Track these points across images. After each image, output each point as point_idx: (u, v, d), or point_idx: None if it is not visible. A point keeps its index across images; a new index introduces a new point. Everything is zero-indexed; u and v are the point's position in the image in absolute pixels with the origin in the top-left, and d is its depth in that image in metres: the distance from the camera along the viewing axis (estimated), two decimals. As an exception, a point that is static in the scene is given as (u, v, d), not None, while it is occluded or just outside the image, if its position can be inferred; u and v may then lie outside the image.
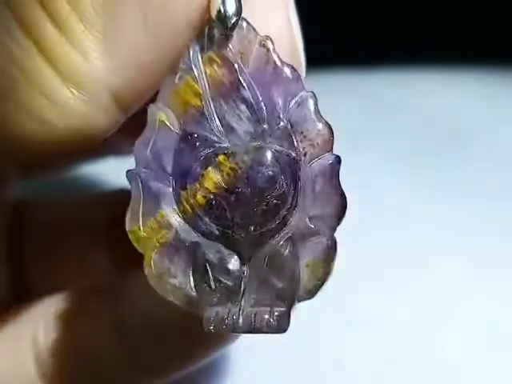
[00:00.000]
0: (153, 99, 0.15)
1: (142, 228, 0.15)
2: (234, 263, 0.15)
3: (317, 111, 0.15)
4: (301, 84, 0.15)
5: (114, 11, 0.14)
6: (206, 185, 0.15)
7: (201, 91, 0.15)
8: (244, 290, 0.15)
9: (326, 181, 0.15)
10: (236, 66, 0.15)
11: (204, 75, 0.15)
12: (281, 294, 0.15)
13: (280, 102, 0.15)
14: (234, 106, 0.15)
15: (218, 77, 0.15)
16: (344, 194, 0.15)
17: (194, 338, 0.17)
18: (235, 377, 0.23)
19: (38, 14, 0.14)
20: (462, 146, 0.30)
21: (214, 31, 0.15)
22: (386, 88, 0.34)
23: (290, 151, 0.15)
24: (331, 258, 0.15)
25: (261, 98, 0.15)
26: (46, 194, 0.26)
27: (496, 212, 0.27)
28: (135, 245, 0.15)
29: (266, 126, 0.15)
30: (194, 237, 0.15)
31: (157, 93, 0.15)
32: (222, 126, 0.15)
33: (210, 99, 0.15)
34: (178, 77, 0.15)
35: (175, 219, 0.15)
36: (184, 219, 0.15)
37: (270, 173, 0.15)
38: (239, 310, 0.15)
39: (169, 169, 0.15)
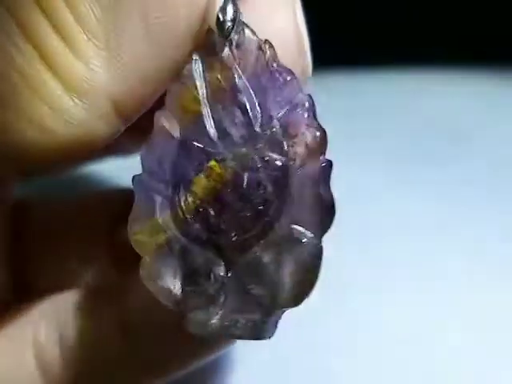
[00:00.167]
0: (159, 106, 0.15)
1: (140, 231, 0.16)
2: (218, 269, 0.15)
3: (311, 115, 0.15)
4: (297, 87, 0.15)
5: (116, 21, 0.14)
6: (196, 190, 0.15)
7: (200, 97, 0.15)
8: (226, 295, 0.15)
9: (313, 187, 0.15)
10: (233, 71, 0.15)
11: (204, 81, 0.15)
12: (260, 302, 0.15)
13: (275, 106, 0.15)
14: (231, 111, 0.15)
15: (216, 83, 0.15)
16: (332, 201, 0.15)
17: (192, 338, 0.17)
18: (236, 376, 0.23)
19: (41, 22, 0.14)
20: (462, 146, 0.30)
21: (214, 37, 0.15)
22: (386, 89, 0.34)
23: (280, 156, 0.15)
24: (316, 266, 0.15)
25: (256, 103, 0.15)
26: (46, 193, 0.26)
27: (496, 212, 0.27)
28: (134, 247, 0.16)
29: (258, 131, 0.15)
30: (183, 242, 0.16)
31: (163, 99, 0.15)
32: (218, 131, 0.15)
33: (208, 105, 0.15)
34: (180, 83, 0.15)
35: (169, 224, 0.16)
36: (176, 224, 0.16)
37: (255, 179, 0.15)
38: (219, 315, 0.15)
39: (168, 174, 0.15)
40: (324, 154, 0.15)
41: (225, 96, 0.15)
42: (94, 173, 0.27)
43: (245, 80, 0.15)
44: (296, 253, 0.15)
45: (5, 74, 0.14)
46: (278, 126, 0.15)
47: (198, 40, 0.15)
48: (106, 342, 0.17)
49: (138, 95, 0.15)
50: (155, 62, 0.15)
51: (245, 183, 0.15)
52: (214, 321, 0.15)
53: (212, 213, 0.15)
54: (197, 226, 0.15)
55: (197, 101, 0.15)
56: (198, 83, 0.15)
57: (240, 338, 0.16)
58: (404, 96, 0.33)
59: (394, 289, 0.24)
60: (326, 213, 0.15)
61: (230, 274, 0.15)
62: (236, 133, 0.15)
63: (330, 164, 0.15)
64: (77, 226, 0.21)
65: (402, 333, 0.23)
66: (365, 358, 0.23)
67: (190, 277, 0.16)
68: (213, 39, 0.15)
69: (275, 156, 0.15)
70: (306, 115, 0.15)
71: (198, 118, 0.15)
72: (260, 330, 0.15)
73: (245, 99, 0.15)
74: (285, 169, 0.15)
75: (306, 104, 0.15)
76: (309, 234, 0.15)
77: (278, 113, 0.15)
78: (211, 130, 0.15)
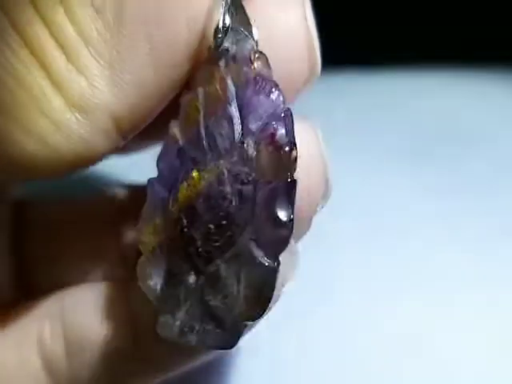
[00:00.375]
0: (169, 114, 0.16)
1: (145, 231, 0.16)
2: (189, 276, 0.16)
3: (287, 131, 0.14)
4: (278, 101, 0.15)
5: (118, 40, 0.14)
6: (179, 197, 0.16)
7: (200, 108, 0.15)
8: (191, 303, 0.16)
9: (270, 206, 0.14)
10: (226, 81, 0.15)
11: (203, 93, 0.15)
12: (216, 313, 0.15)
13: (255, 119, 0.15)
14: (220, 122, 0.15)
15: (214, 93, 0.15)
16: (287, 223, 0.14)
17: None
18: (235, 376, 0.23)
19: (45, 38, 0.14)
20: (462, 146, 0.30)
21: (215, 48, 0.15)
22: (386, 88, 0.34)
23: (248, 171, 0.15)
24: (267, 285, 0.15)
25: (240, 115, 0.15)
26: (46, 192, 0.26)
27: (496, 212, 0.27)
28: (140, 247, 0.16)
29: (236, 144, 0.15)
30: (167, 247, 0.16)
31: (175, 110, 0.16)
32: (209, 141, 0.15)
33: (204, 116, 0.15)
34: (190, 92, 0.16)
35: (162, 228, 0.16)
36: (165, 228, 0.16)
37: (221, 192, 0.15)
38: (179, 320, 0.16)
39: (168, 180, 0.16)
40: (292, 172, 0.14)
41: (218, 107, 0.15)
42: (95, 171, 0.27)
43: (233, 91, 0.15)
44: (249, 271, 0.15)
45: (7, 85, 0.14)
46: (252, 140, 0.15)
47: (198, 57, 0.15)
48: (115, 339, 0.17)
49: (138, 112, 0.15)
50: (156, 80, 0.15)
51: (210, 196, 0.15)
52: (177, 325, 0.16)
53: (185, 221, 0.15)
54: (176, 232, 0.16)
55: (197, 111, 0.15)
56: (200, 93, 0.15)
57: (197, 345, 0.16)
58: (404, 96, 0.33)
59: (394, 288, 0.24)
60: (278, 234, 0.14)
61: (198, 282, 0.15)
62: (221, 144, 0.15)
63: (290, 184, 0.14)
64: (81, 223, 0.21)
65: (401, 333, 0.23)
66: (364, 358, 0.23)
67: (169, 280, 0.16)
68: (215, 49, 0.15)
69: (245, 170, 0.15)
70: (278, 133, 0.14)
71: (197, 126, 0.15)
72: (215, 340, 0.15)
73: (232, 111, 0.15)
74: (252, 184, 0.15)
75: (284, 119, 0.15)
76: (261, 254, 0.15)
77: (256, 126, 0.15)
78: (204, 139, 0.15)
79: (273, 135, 0.14)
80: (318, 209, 0.16)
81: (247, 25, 0.16)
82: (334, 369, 0.23)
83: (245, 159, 0.15)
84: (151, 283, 0.16)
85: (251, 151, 0.15)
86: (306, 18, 0.16)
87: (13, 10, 0.14)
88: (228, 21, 0.15)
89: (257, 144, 0.15)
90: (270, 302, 0.15)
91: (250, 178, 0.15)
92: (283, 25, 0.16)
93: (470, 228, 0.26)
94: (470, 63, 0.34)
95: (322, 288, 0.24)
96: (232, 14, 0.15)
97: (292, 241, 0.15)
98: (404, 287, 0.25)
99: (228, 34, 0.15)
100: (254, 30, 0.16)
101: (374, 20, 0.42)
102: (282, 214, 0.14)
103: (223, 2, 0.15)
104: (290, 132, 0.14)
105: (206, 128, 0.15)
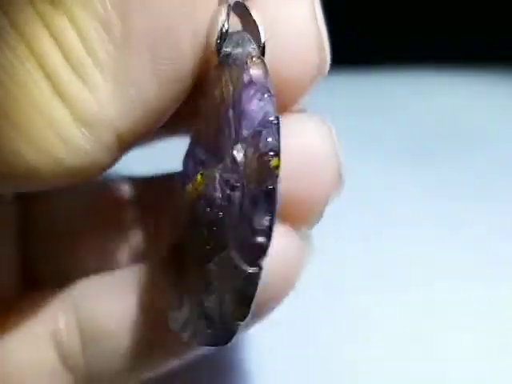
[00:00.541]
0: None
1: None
2: (189, 276, 0.16)
3: (272, 139, 0.14)
4: (269, 107, 0.15)
5: (125, 56, 0.14)
6: (185, 197, 0.16)
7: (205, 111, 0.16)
8: (191, 300, 0.16)
9: (249, 213, 0.14)
10: (229, 87, 0.15)
11: (212, 96, 0.15)
12: (207, 313, 0.15)
13: (246, 125, 0.15)
14: (223, 127, 0.15)
15: (220, 97, 0.15)
16: (265, 229, 0.14)
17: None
18: (236, 376, 0.23)
19: (52, 50, 0.14)
20: (462, 146, 0.30)
21: (219, 52, 0.15)
22: (386, 88, 0.34)
23: (237, 177, 0.15)
24: (249, 289, 0.14)
25: (236, 121, 0.15)
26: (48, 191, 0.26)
27: (496, 212, 0.27)
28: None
29: (229, 149, 0.15)
30: (178, 246, 0.17)
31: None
32: (214, 145, 0.15)
33: (207, 120, 0.16)
34: (204, 97, 0.16)
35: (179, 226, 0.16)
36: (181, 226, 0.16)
37: (212, 198, 0.15)
38: (178, 318, 0.16)
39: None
40: (272, 180, 0.14)
41: (221, 110, 0.15)
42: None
43: (230, 97, 0.15)
44: (233, 276, 0.15)
45: (11, 92, 0.14)
46: (243, 146, 0.15)
47: (204, 64, 0.15)
48: (133, 327, 0.17)
49: (140, 129, 0.15)
50: (159, 96, 0.15)
51: (203, 201, 0.15)
52: (177, 323, 0.16)
53: (186, 223, 0.16)
54: (180, 231, 0.16)
55: (203, 113, 0.16)
56: (210, 96, 0.15)
57: (190, 340, 0.16)
58: (405, 96, 0.33)
59: (394, 288, 0.24)
60: (255, 241, 0.14)
61: (198, 283, 0.16)
62: (224, 149, 0.15)
63: (271, 192, 0.14)
64: (86, 217, 0.21)
65: (401, 333, 0.23)
66: (364, 358, 0.23)
67: (183, 276, 0.16)
68: (220, 55, 0.15)
69: (234, 176, 0.15)
70: (267, 138, 0.14)
71: (206, 131, 0.16)
72: (205, 338, 0.15)
73: (232, 116, 0.15)
74: (240, 191, 0.14)
75: (272, 127, 0.14)
76: (241, 260, 0.14)
77: (247, 132, 0.15)
78: (211, 143, 0.15)
79: (257, 142, 0.14)
80: (330, 201, 0.17)
81: (253, 26, 0.15)
82: (335, 368, 0.23)
83: (234, 165, 0.15)
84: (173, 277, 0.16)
85: (240, 157, 0.15)
86: (315, 17, 0.16)
87: (21, 22, 0.14)
88: (229, 25, 0.15)
89: (245, 150, 0.15)
90: (250, 305, 0.15)
91: (239, 184, 0.14)
92: (293, 24, 0.15)
93: (470, 228, 0.26)
94: (470, 63, 0.34)
95: (322, 288, 0.24)
96: (236, 16, 0.15)
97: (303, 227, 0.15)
98: (404, 287, 0.25)
99: (232, 38, 0.15)
100: (261, 31, 0.15)
101: (373, 20, 0.42)
102: (260, 222, 0.14)
103: (225, 6, 0.15)
104: (275, 140, 0.14)
105: (214, 132, 0.15)
